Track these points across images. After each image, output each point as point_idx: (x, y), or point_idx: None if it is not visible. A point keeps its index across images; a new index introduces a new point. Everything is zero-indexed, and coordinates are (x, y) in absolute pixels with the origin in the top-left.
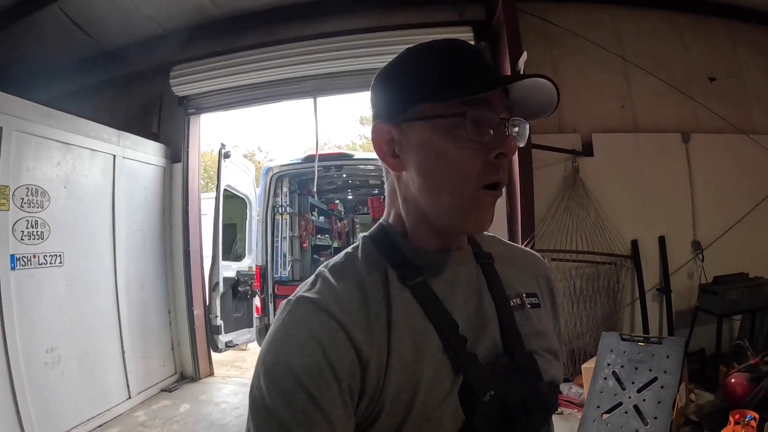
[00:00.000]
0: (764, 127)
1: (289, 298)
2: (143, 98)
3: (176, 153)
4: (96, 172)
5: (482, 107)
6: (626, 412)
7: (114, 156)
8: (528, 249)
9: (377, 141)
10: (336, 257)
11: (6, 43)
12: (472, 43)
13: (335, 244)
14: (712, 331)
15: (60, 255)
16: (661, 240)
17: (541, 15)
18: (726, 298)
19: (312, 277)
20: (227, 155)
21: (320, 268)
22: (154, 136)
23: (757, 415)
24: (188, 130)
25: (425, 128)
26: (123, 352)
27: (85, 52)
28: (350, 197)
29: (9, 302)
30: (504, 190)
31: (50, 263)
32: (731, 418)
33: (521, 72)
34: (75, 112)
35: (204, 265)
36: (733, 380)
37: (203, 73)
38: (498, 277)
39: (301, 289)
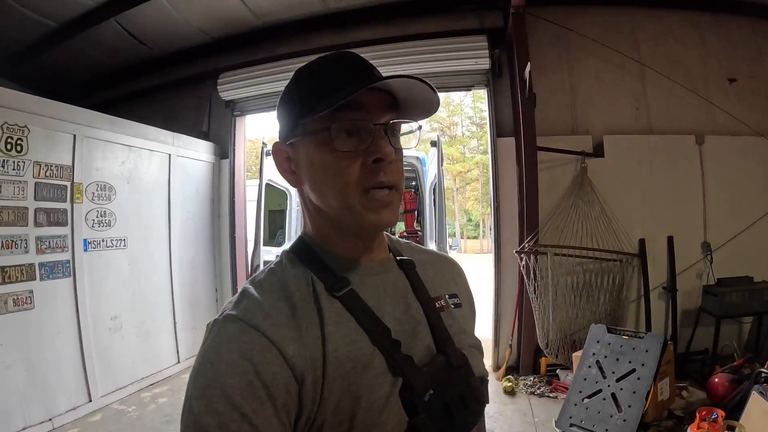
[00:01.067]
0: None
1: (216, 318)
2: (194, 100)
3: (224, 150)
4: (154, 169)
5: (353, 115)
6: (604, 399)
7: (169, 155)
8: (441, 252)
9: (277, 160)
10: (259, 273)
11: (68, 53)
12: (486, 50)
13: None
14: (726, 334)
15: (124, 239)
16: (670, 240)
17: (559, 20)
18: (725, 300)
19: (237, 295)
20: (269, 153)
21: (245, 284)
22: (204, 135)
23: (722, 413)
24: (234, 130)
25: (306, 143)
26: (175, 323)
27: (142, 59)
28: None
29: (82, 277)
30: (494, 188)
31: (116, 246)
32: (698, 415)
33: (527, 81)
34: (134, 112)
35: (248, 249)
36: (716, 380)
37: (246, 80)
38: (421, 281)
39: (227, 308)
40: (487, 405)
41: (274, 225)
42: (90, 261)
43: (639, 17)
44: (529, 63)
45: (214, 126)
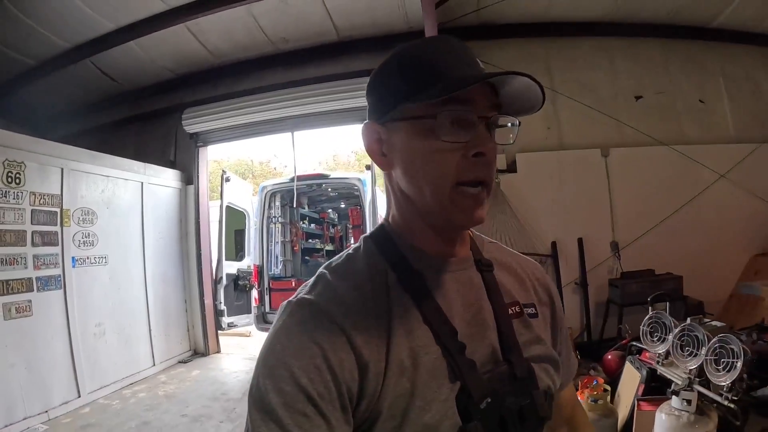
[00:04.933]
0: (695, 138)
1: (290, 299)
2: (162, 131)
3: (189, 177)
4: (129, 195)
5: (459, 106)
6: None
7: (142, 183)
8: (527, 257)
9: (367, 140)
10: (337, 258)
11: (44, 87)
12: None
13: (327, 247)
14: (636, 321)
15: (105, 257)
16: (580, 241)
17: (477, 53)
18: (626, 291)
19: (313, 279)
20: (228, 179)
21: (321, 269)
22: (171, 164)
23: (601, 380)
24: (198, 159)
25: (405, 129)
26: (150, 331)
27: (113, 93)
28: (342, 206)
29: (71, 290)
30: None
31: (99, 263)
32: (580, 383)
33: None
34: (107, 142)
35: (212, 264)
36: (608, 357)
37: (208, 115)
38: (497, 285)
39: (302, 291)
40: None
41: (239, 243)
42: (77, 275)
43: (552, 46)
44: None
45: (180, 155)
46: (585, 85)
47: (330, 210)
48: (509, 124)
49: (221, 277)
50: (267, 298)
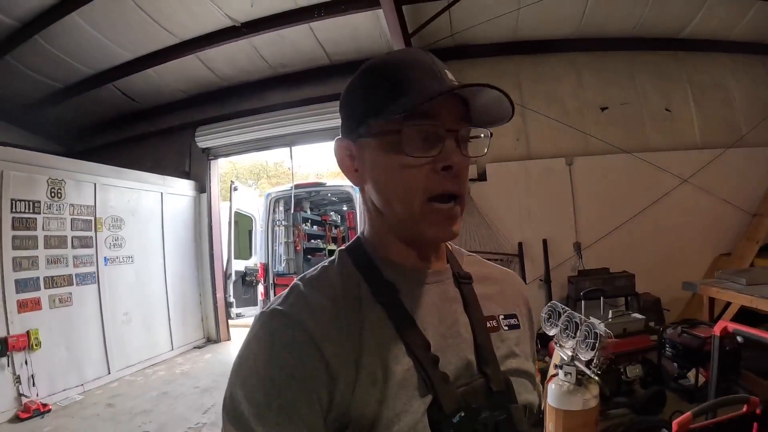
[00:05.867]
0: (659, 145)
1: (263, 310)
2: (177, 145)
3: (202, 186)
4: (150, 204)
5: (425, 120)
6: None
7: (161, 193)
8: (508, 270)
9: (339, 156)
10: (312, 270)
11: (73, 107)
12: None
13: (330, 247)
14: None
15: (132, 257)
16: (545, 242)
17: (455, 73)
18: (579, 287)
19: (286, 290)
20: (236, 188)
21: (295, 280)
22: (186, 174)
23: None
24: (210, 171)
25: (374, 144)
26: (169, 320)
27: (132, 111)
28: (345, 208)
29: (104, 284)
30: None
31: (126, 262)
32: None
33: None
34: (127, 155)
35: (223, 262)
36: (551, 344)
37: (217, 133)
38: (476, 298)
39: (275, 302)
40: None
41: (246, 243)
42: (108, 272)
43: (522, 63)
44: None
45: (194, 167)
46: (552, 98)
47: (332, 213)
48: (482, 136)
49: (230, 274)
50: (272, 292)
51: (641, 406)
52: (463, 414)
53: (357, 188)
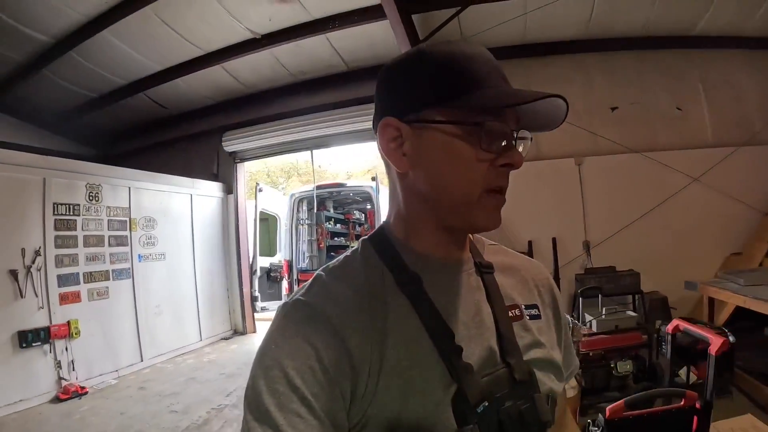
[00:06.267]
0: (669, 144)
1: (286, 301)
2: (206, 150)
3: (229, 187)
4: (181, 205)
5: (496, 118)
6: None
7: (191, 194)
8: (531, 259)
9: (385, 137)
10: (335, 260)
11: (106, 114)
12: None
13: (353, 244)
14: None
15: (164, 254)
16: (554, 240)
17: None
18: (583, 284)
19: (310, 281)
20: (260, 190)
21: (318, 271)
22: (214, 176)
23: None
24: (236, 173)
25: (440, 131)
26: (198, 312)
27: (162, 118)
28: (369, 207)
29: (138, 279)
30: None
31: (158, 259)
32: None
33: None
34: (158, 158)
35: (249, 259)
36: None
37: (243, 137)
38: (497, 288)
39: (298, 292)
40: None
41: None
42: (142, 268)
43: (531, 65)
44: None
45: (222, 169)
46: None
47: (356, 211)
48: (526, 138)
49: (256, 270)
50: (296, 287)
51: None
52: (487, 404)
53: (398, 173)
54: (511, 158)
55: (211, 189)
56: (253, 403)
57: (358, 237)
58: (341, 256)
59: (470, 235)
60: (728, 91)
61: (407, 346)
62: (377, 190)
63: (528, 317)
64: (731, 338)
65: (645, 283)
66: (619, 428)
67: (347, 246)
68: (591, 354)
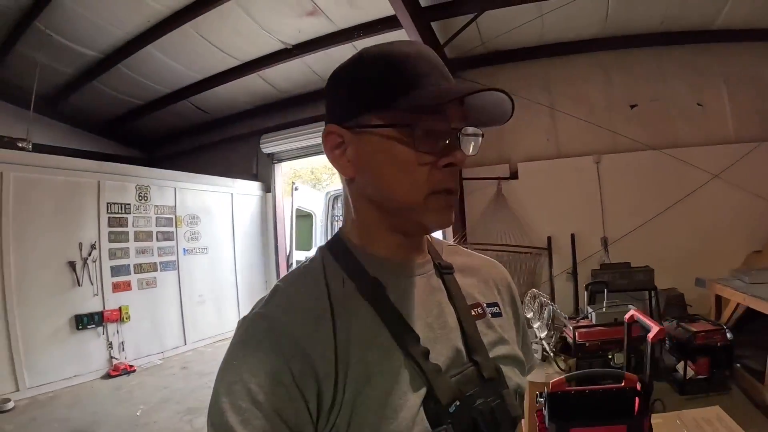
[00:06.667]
0: (690, 141)
1: (246, 315)
2: (245, 151)
3: (268, 186)
4: (223, 203)
5: (435, 117)
6: None
7: (231, 193)
8: (488, 258)
9: (328, 144)
10: (293, 270)
11: (152, 120)
12: None
13: None
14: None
15: (206, 248)
16: (572, 236)
17: (486, 78)
18: (597, 279)
19: (269, 293)
20: (296, 189)
21: (277, 282)
22: (254, 176)
23: None
24: (274, 172)
25: (377, 135)
26: (238, 301)
27: (205, 122)
28: None
29: (183, 271)
30: None
31: (201, 252)
32: None
33: None
34: (200, 160)
35: (286, 253)
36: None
37: (280, 140)
38: (458, 288)
39: (257, 306)
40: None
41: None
42: (186, 261)
43: (551, 65)
44: None
45: (261, 169)
46: (581, 98)
47: None
48: (475, 135)
49: (292, 263)
50: None
51: None
52: (458, 403)
53: (346, 179)
54: (453, 157)
55: (251, 188)
56: (217, 421)
57: None
58: (300, 265)
59: (428, 237)
60: (750, 86)
61: (373, 353)
62: None
63: (490, 315)
64: (729, 335)
65: (663, 280)
66: (560, 400)
67: None
68: (588, 344)
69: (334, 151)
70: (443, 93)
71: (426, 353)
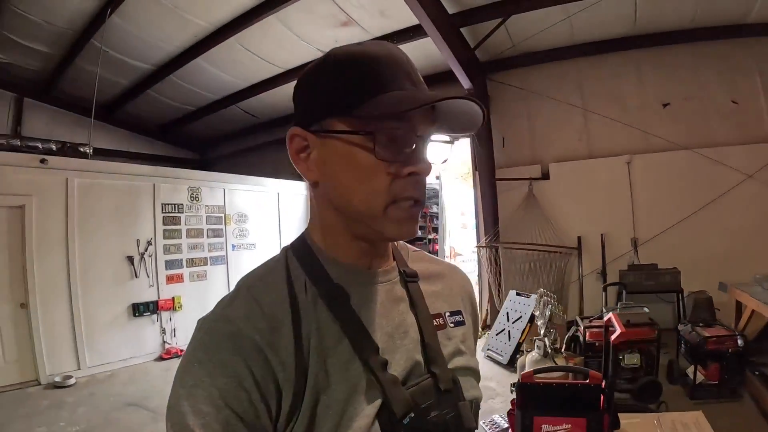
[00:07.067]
0: (724, 139)
1: (206, 316)
2: None
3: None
4: (269, 202)
5: (398, 124)
6: (505, 334)
7: (278, 193)
8: (454, 264)
9: (292, 147)
10: (257, 268)
11: (203, 124)
12: None
13: (429, 236)
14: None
15: (254, 244)
16: (602, 237)
17: (519, 80)
18: (623, 280)
19: (231, 292)
20: None
21: (240, 280)
22: (299, 177)
23: None
24: None
25: (340, 141)
26: None
27: (253, 125)
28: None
29: (231, 265)
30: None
31: (249, 248)
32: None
33: (475, 142)
34: (249, 161)
35: None
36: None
37: None
38: (422, 297)
39: (219, 306)
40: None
41: None
42: (235, 256)
43: (583, 65)
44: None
45: None
46: (613, 97)
47: (434, 206)
48: (444, 142)
49: None
50: None
51: (635, 393)
52: (413, 415)
53: (310, 182)
54: (414, 165)
55: (297, 188)
56: (177, 424)
57: (435, 229)
58: (263, 265)
59: (393, 243)
60: None
61: (332, 362)
62: (441, 188)
63: (452, 324)
64: (740, 342)
65: (693, 283)
66: (529, 391)
67: (425, 238)
68: (597, 344)
69: (299, 154)
70: (406, 100)
71: (384, 364)
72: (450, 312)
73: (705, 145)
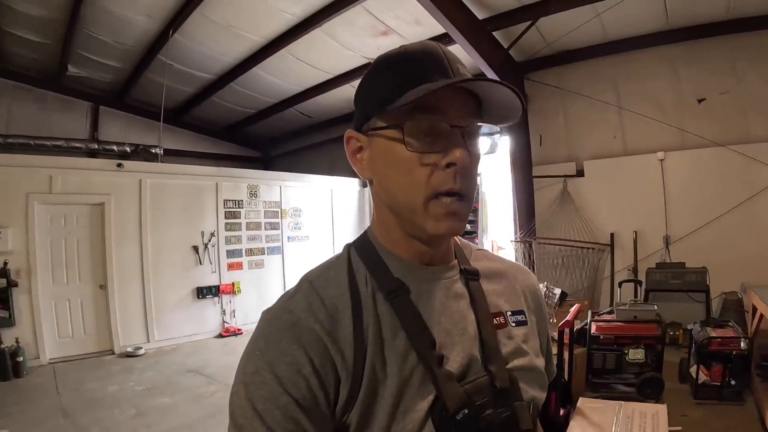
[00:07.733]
0: (762, 135)
1: (269, 307)
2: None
3: (364, 182)
4: (323, 197)
5: (428, 114)
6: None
7: (331, 189)
8: (518, 263)
9: (348, 149)
10: (320, 265)
11: (262, 124)
12: None
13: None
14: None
15: (308, 236)
16: (635, 234)
17: (555, 78)
18: (649, 278)
19: (294, 286)
20: None
21: (303, 276)
22: (353, 173)
23: None
24: None
25: (379, 138)
26: None
27: (310, 125)
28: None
29: (286, 255)
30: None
31: (303, 240)
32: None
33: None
34: (306, 159)
35: None
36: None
37: None
38: (483, 294)
39: (283, 298)
40: None
41: None
42: (290, 247)
43: (617, 62)
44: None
45: None
46: (648, 94)
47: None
48: (490, 132)
49: None
50: None
51: (637, 388)
52: (466, 411)
53: (367, 181)
54: (450, 155)
55: (350, 184)
56: (238, 409)
57: (470, 222)
58: (326, 261)
59: (457, 240)
60: None
61: (388, 354)
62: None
63: (514, 324)
64: (743, 345)
65: (725, 283)
66: None
67: (473, 232)
68: (602, 337)
69: (355, 155)
70: (425, 88)
71: (440, 359)
72: (512, 311)
73: (741, 141)
